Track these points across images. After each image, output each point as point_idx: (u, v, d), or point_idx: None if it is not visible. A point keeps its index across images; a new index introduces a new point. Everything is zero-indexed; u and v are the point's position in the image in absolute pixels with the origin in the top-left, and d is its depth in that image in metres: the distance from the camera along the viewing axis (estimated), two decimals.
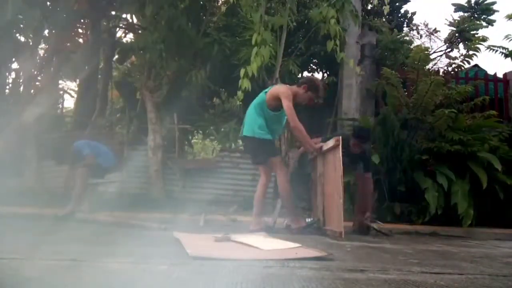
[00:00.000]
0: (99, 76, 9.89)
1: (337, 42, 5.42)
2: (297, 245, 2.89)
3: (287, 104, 4.01)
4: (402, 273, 2.14)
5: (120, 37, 10.51)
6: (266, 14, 6.46)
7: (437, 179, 5.98)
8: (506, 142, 6.60)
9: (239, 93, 5.29)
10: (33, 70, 8.11)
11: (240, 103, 10.48)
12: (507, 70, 8.55)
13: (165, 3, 6.76)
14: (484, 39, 7.57)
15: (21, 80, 8.46)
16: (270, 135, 4.21)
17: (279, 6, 6.51)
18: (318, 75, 10.15)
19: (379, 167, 6.25)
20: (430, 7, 35.29)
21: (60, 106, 12.36)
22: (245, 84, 5.01)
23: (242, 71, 5.03)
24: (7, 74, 8.76)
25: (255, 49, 5.04)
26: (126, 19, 9.18)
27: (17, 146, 7.29)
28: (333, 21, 5.21)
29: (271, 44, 7.15)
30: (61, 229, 3.93)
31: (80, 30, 9.93)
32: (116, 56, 9.81)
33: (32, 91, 8.04)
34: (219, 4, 8.40)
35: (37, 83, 8.32)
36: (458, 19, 8.68)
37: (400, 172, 6.37)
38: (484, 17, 9.09)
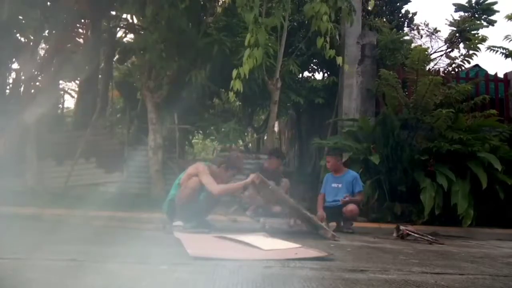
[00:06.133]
0: (100, 76, 9.89)
1: (327, 39, 5.38)
2: (297, 245, 2.89)
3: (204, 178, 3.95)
4: (403, 273, 2.14)
5: (121, 37, 10.52)
6: (266, 15, 6.44)
7: (437, 179, 5.98)
8: (506, 142, 6.59)
9: (231, 94, 5.30)
10: (33, 70, 8.11)
11: (240, 103, 10.54)
12: (507, 70, 8.55)
13: (165, 3, 6.74)
14: (484, 39, 7.56)
15: (21, 80, 8.47)
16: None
17: (278, 7, 6.48)
18: (319, 75, 10.16)
19: (379, 167, 6.25)
20: (431, 7, 35.29)
21: (61, 106, 12.39)
22: (237, 85, 5.00)
23: (234, 72, 5.02)
24: (7, 74, 8.77)
25: (247, 51, 5.03)
26: (126, 19, 9.18)
27: (18, 146, 7.29)
28: (325, 17, 5.16)
29: (270, 44, 7.16)
30: (61, 229, 3.93)
31: (80, 30, 9.95)
32: (117, 56, 9.81)
33: (32, 91, 8.04)
34: (219, 4, 8.39)
35: (37, 83, 8.33)
36: (459, 19, 8.67)
37: (401, 172, 6.37)
38: (484, 17, 9.07)
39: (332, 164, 5.16)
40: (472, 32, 8.09)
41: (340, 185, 5.05)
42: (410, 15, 11.35)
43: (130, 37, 10.18)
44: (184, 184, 4.03)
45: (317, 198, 5.32)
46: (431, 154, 6.36)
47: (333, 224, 4.99)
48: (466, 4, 9.19)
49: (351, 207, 4.79)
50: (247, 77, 5.09)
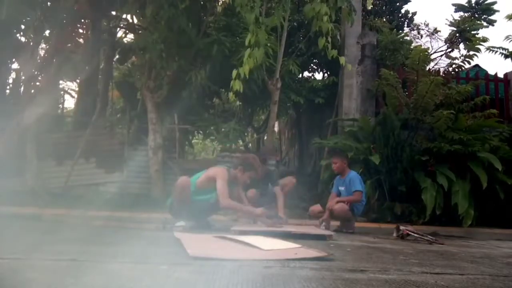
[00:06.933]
0: (100, 76, 9.89)
1: (329, 39, 5.38)
2: (297, 245, 2.89)
3: (221, 184, 3.96)
4: (403, 274, 2.14)
5: (121, 37, 10.52)
6: (265, 15, 6.44)
7: (437, 179, 5.98)
8: (506, 142, 6.59)
9: (231, 94, 5.29)
10: (33, 70, 8.11)
11: (240, 103, 10.55)
12: (507, 70, 8.55)
13: (165, 3, 6.75)
14: (484, 39, 7.56)
15: (21, 80, 8.47)
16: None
17: (278, 7, 6.48)
18: (319, 75, 10.16)
19: (379, 167, 6.25)
20: (431, 7, 35.28)
21: (61, 106, 12.39)
22: (237, 85, 4.99)
23: (234, 73, 5.01)
24: (7, 74, 8.77)
25: (248, 51, 5.02)
26: (126, 19, 9.17)
27: (17, 146, 7.29)
28: (325, 17, 5.16)
29: (269, 45, 7.15)
30: (61, 229, 3.93)
31: (80, 30, 9.94)
32: (117, 56, 9.81)
33: (32, 91, 8.04)
34: (219, 4, 8.39)
35: (37, 83, 8.33)
36: (459, 19, 8.67)
37: (401, 172, 6.37)
38: (484, 17, 9.08)
39: (338, 166, 5.17)
40: (472, 32, 8.09)
41: (344, 188, 5.07)
42: (410, 15, 11.38)
43: (130, 37, 10.20)
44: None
45: (316, 197, 5.34)
46: (431, 154, 6.36)
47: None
48: (466, 4, 9.19)
49: (337, 206, 4.81)
50: (247, 77, 5.09)
